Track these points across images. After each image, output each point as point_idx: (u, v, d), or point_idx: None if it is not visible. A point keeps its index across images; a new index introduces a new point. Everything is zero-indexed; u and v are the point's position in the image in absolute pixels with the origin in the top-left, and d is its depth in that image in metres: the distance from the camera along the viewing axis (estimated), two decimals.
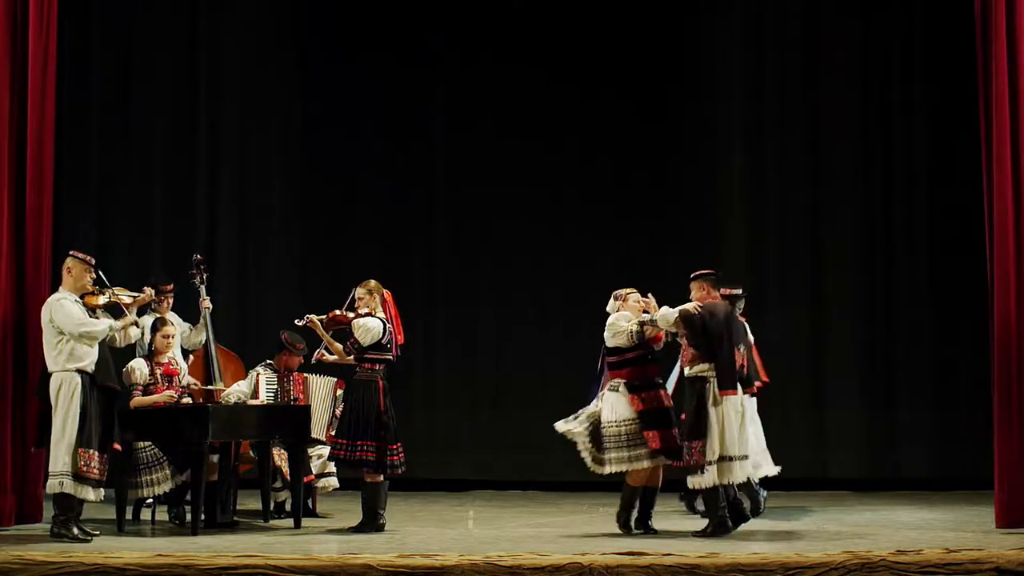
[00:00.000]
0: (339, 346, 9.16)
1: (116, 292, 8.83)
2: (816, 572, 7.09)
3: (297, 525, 9.28)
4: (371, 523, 8.97)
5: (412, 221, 12.96)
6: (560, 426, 9.07)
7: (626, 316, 8.94)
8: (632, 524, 8.93)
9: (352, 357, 9.11)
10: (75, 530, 8.38)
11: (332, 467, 9.88)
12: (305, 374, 10.03)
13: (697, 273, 9.06)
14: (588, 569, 7.11)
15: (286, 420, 9.54)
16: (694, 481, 8.75)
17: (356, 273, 9.60)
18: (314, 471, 9.90)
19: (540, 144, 12.77)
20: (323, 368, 9.75)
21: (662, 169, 12.92)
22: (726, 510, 8.71)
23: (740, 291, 9.74)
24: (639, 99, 12.85)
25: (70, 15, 10.76)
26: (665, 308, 8.84)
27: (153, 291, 9.55)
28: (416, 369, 12.54)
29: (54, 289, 8.91)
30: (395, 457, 9.03)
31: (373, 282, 9.22)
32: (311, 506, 10.02)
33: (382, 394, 9.02)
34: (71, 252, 8.81)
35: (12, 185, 9.17)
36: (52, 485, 8.44)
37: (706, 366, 8.73)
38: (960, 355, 12.40)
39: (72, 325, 8.49)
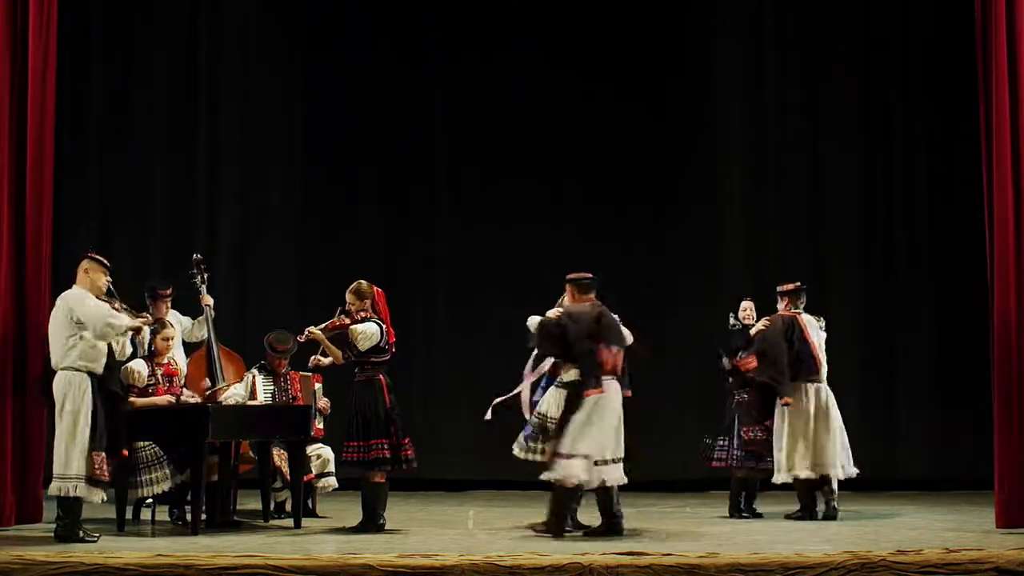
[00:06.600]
0: (338, 352, 9.12)
1: (122, 306, 8.70)
2: (816, 572, 7.09)
3: (297, 525, 9.27)
4: (371, 523, 8.96)
5: (412, 220, 12.97)
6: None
7: None
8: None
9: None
10: (81, 532, 8.32)
11: (332, 467, 9.88)
12: (301, 373, 10.02)
13: (569, 277, 9.08)
14: (588, 569, 7.11)
15: (286, 420, 9.54)
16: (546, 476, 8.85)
17: (356, 273, 9.57)
18: (314, 471, 9.90)
19: (540, 143, 12.78)
20: (316, 368, 9.69)
21: (662, 169, 12.94)
22: (576, 511, 8.94)
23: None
24: (639, 98, 12.88)
25: (70, 15, 10.77)
26: (533, 317, 8.93)
27: (152, 322, 9.25)
28: (416, 369, 12.56)
29: (54, 289, 8.89)
30: (407, 452, 9.03)
31: (363, 284, 9.16)
32: (311, 506, 10.01)
33: (386, 391, 9.00)
34: (90, 254, 8.67)
35: (12, 185, 9.16)
36: (63, 488, 8.28)
37: (576, 371, 8.79)
38: (960, 355, 12.40)
39: (99, 315, 8.35)
